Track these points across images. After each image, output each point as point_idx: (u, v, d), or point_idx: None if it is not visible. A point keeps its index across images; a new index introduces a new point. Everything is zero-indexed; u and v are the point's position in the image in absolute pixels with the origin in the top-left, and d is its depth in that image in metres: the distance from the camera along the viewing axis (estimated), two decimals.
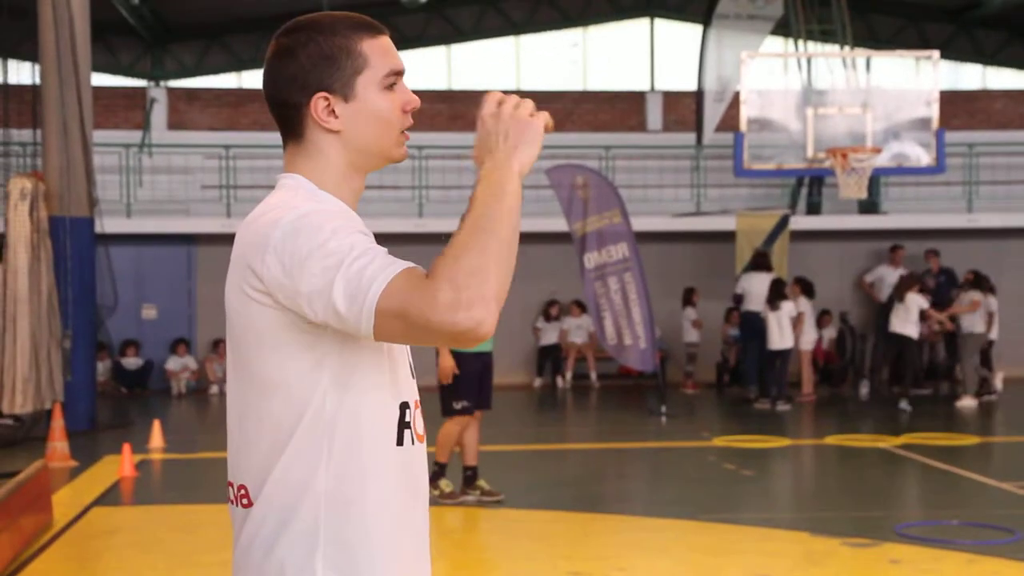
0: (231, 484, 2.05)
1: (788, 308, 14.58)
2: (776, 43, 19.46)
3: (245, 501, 2.01)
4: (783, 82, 16.20)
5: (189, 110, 19.96)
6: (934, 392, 16.10)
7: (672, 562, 7.21)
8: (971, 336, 14.77)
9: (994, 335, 15.19)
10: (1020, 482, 9.41)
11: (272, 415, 1.96)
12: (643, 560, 7.18)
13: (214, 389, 16.62)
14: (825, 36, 17.69)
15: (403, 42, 20.31)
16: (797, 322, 14.81)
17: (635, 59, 21.15)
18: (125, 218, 16.61)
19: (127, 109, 19.74)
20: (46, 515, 8.01)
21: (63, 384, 12.33)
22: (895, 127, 14.08)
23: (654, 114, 20.63)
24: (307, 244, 1.86)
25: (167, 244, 17.34)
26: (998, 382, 15.54)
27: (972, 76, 21.71)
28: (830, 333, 17.10)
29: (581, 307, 17.13)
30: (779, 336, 14.50)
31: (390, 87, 2.06)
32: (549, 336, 17.56)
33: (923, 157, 14.08)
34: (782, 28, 18.18)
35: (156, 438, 11.50)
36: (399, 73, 2.07)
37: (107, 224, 13.62)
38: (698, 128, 18.15)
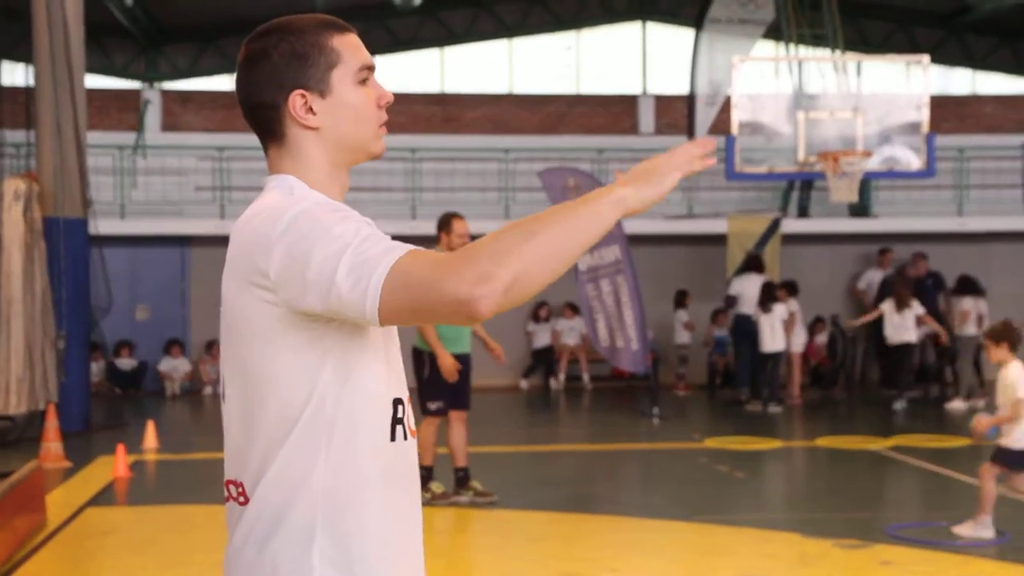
0: (230, 482, 2.07)
1: (780, 310, 14.66)
2: (767, 47, 19.54)
3: (242, 499, 2.03)
4: (774, 86, 16.27)
5: (183, 112, 19.97)
6: (924, 394, 16.17)
7: (664, 563, 7.26)
8: (965, 339, 14.87)
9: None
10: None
11: (272, 412, 1.98)
12: (635, 561, 7.22)
13: (207, 390, 16.64)
14: (816, 40, 17.76)
15: (396, 45, 20.36)
16: (790, 324, 14.89)
17: (627, 63, 21.21)
18: (119, 219, 16.63)
19: (121, 111, 19.74)
20: (40, 516, 8.03)
21: (57, 385, 12.34)
22: (886, 131, 14.14)
23: (646, 117, 20.69)
24: (313, 233, 1.88)
25: (161, 245, 17.35)
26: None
27: (962, 81, 21.82)
28: (822, 338, 17.17)
29: (573, 309, 17.17)
30: (771, 338, 14.56)
31: (363, 82, 2.10)
32: (542, 338, 17.60)
33: (913, 161, 14.14)
34: (773, 32, 18.25)
35: (150, 439, 11.51)
36: (371, 68, 2.11)
37: (101, 225, 13.63)
38: (690, 131, 18.20)
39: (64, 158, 12.58)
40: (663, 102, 20.69)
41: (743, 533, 7.84)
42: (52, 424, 10.80)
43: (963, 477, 9.81)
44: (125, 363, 16.94)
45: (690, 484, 9.84)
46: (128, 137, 18.71)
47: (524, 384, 17.60)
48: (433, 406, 8.44)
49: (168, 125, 19.78)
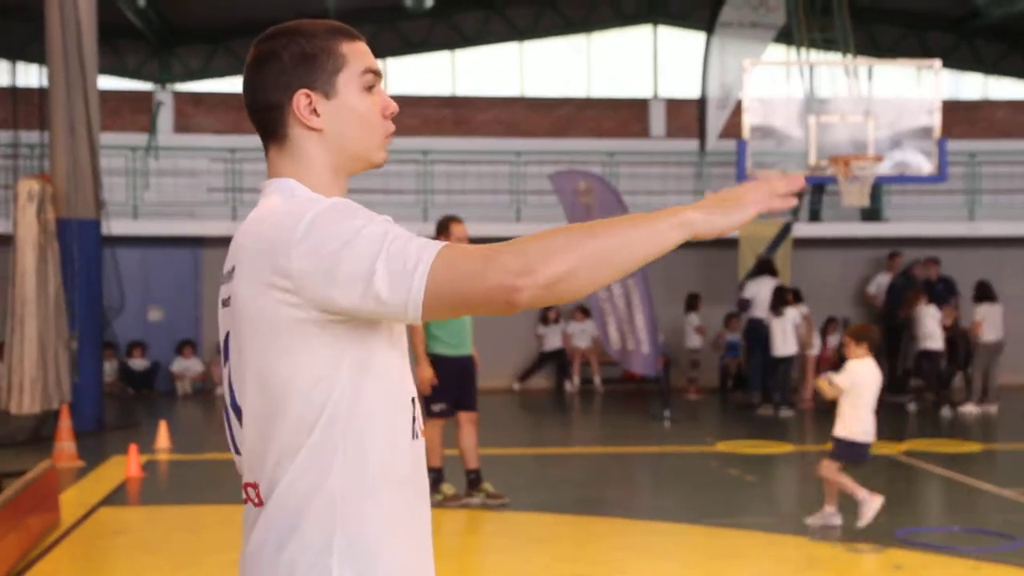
0: (248, 485, 2.07)
1: (792, 314, 14.66)
2: (779, 51, 19.54)
3: (257, 500, 2.04)
4: (785, 90, 16.27)
5: (195, 113, 20.03)
6: (938, 399, 16.12)
7: (675, 566, 7.27)
8: (983, 345, 14.87)
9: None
10: (1022, 489, 9.46)
11: (290, 414, 1.97)
12: (646, 564, 7.23)
13: (219, 391, 16.63)
14: (827, 45, 17.76)
15: (408, 48, 20.41)
16: (808, 328, 14.93)
17: (638, 66, 21.23)
18: (132, 220, 16.68)
19: (133, 112, 19.81)
20: (53, 515, 8.06)
21: (70, 385, 12.39)
22: (897, 135, 14.12)
23: (657, 121, 20.70)
24: (339, 231, 1.88)
25: (173, 247, 17.40)
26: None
27: (973, 86, 21.79)
28: (835, 340, 17.14)
29: (584, 312, 17.19)
30: (782, 342, 14.56)
31: (369, 89, 2.10)
32: (552, 341, 17.61)
33: (925, 166, 14.12)
34: (784, 36, 18.26)
35: (163, 439, 11.55)
36: (376, 73, 2.11)
37: (114, 226, 13.68)
38: (701, 135, 18.22)
39: (77, 159, 12.63)
40: (674, 105, 20.70)
41: (753, 537, 7.84)
42: (65, 424, 10.84)
43: (975, 482, 9.80)
44: (138, 363, 16.99)
45: (701, 488, 9.84)
46: (141, 138, 18.78)
47: (517, 387, 17.59)
48: (436, 408, 8.45)
49: (180, 126, 19.85)
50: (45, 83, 13.16)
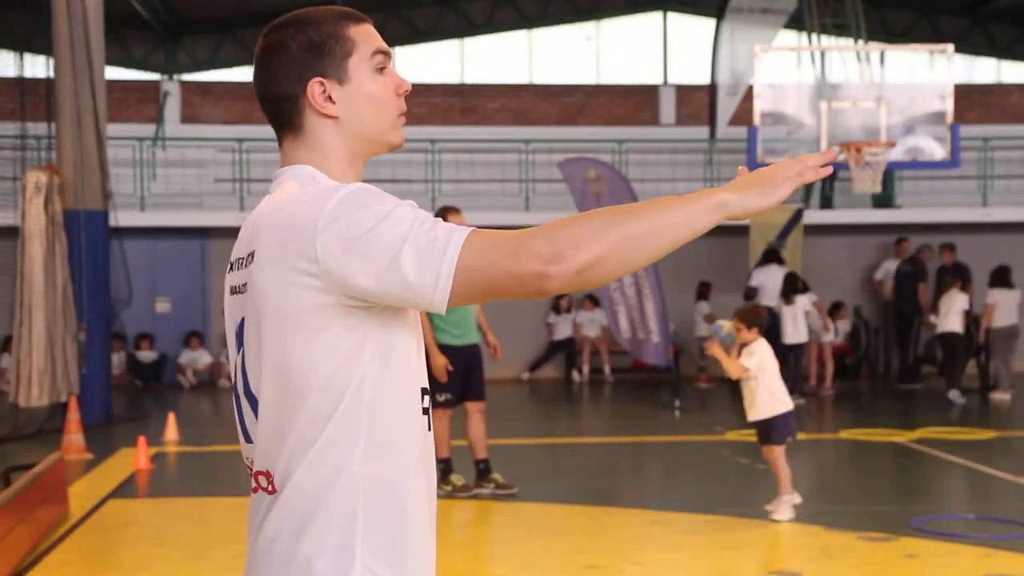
0: (259, 473, 2.04)
1: (803, 302, 14.59)
2: (789, 37, 19.42)
3: (271, 488, 2.01)
4: (796, 76, 16.16)
5: (202, 104, 19.99)
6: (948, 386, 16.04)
7: (687, 556, 7.21)
8: (1000, 330, 14.79)
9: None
10: None
11: (310, 400, 1.95)
12: (658, 554, 7.18)
13: (223, 383, 16.63)
14: (839, 30, 17.65)
15: (416, 36, 20.33)
16: (821, 315, 14.90)
17: (648, 52, 21.13)
18: (139, 211, 16.66)
19: (140, 103, 19.78)
20: (62, 507, 8.05)
21: (78, 377, 12.37)
22: (909, 121, 14.03)
23: (667, 108, 20.60)
24: (369, 215, 1.86)
25: (181, 237, 17.38)
26: None
27: (987, 70, 21.64)
28: (845, 326, 17.07)
29: (594, 301, 17.12)
30: (793, 330, 14.49)
31: (380, 70, 2.08)
32: (563, 330, 17.55)
33: (937, 151, 14.02)
34: (795, 22, 18.14)
35: (171, 431, 11.53)
36: (386, 54, 2.10)
37: (121, 217, 13.65)
38: (711, 122, 18.12)
39: (84, 150, 12.60)
40: (684, 92, 20.60)
41: (765, 526, 7.78)
42: (74, 416, 10.83)
43: (989, 470, 9.73)
44: (145, 355, 16.98)
45: (712, 477, 9.79)
46: (148, 129, 18.76)
47: (526, 376, 17.55)
48: (441, 398, 8.41)
49: (187, 117, 19.82)
50: (52, 74, 13.12)
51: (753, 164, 13.96)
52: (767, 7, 17.86)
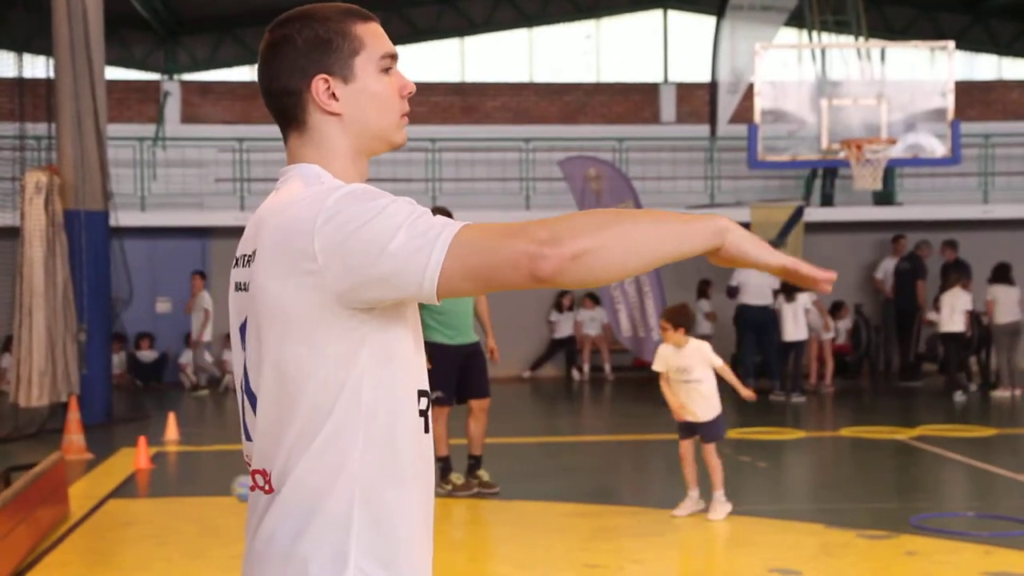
0: (256, 472, 2.05)
1: (804, 300, 14.60)
2: (790, 34, 19.40)
3: (268, 488, 2.01)
4: (797, 73, 16.14)
5: (203, 103, 19.99)
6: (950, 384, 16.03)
7: (688, 554, 7.21)
8: (1003, 326, 14.78)
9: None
10: None
11: (307, 400, 1.95)
12: (659, 552, 7.17)
13: (227, 380, 16.60)
14: (839, 27, 17.62)
15: (416, 34, 20.32)
16: (821, 313, 14.91)
17: (648, 51, 21.11)
18: (139, 211, 16.65)
19: (140, 103, 19.79)
20: (63, 507, 8.05)
21: (79, 377, 12.37)
22: (910, 118, 14.01)
23: (667, 106, 20.59)
24: (366, 210, 1.87)
25: (181, 237, 17.37)
26: None
27: (987, 67, 21.62)
28: (846, 325, 17.06)
29: (594, 299, 17.11)
30: (794, 327, 14.50)
31: (386, 71, 2.09)
32: (564, 328, 17.55)
33: (938, 148, 14.00)
34: (796, 19, 18.12)
35: (171, 431, 11.53)
36: (394, 57, 2.11)
37: (121, 218, 13.65)
38: (712, 120, 18.11)
39: (84, 150, 12.59)
40: (684, 90, 20.58)
41: (767, 523, 7.78)
42: (74, 416, 10.83)
43: (989, 467, 9.72)
44: (146, 355, 16.97)
45: None
46: (148, 129, 18.75)
47: (527, 375, 17.54)
48: (433, 395, 8.38)
49: (188, 117, 19.81)
50: (51, 74, 13.12)
51: (754, 162, 13.96)
52: (768, 5, 17.85)
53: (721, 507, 7.82)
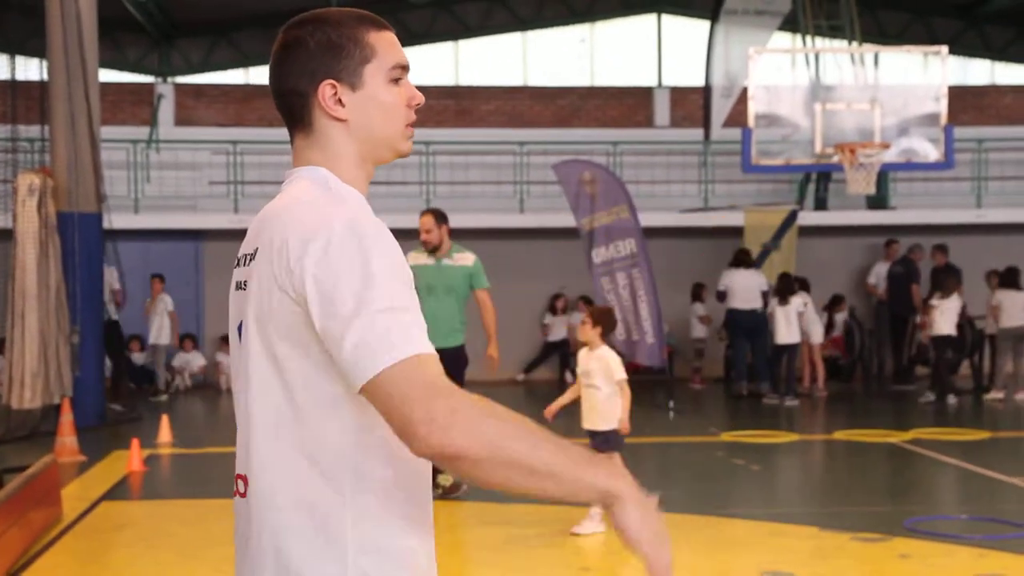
0: (239, 476, 2.04)
1: (797, 303, 14.63)
2: (784, 39, 19.43)
3: (244, 492, 2.01)
4: (791, 78, 16.17)
5: (196, 106, 19.97)
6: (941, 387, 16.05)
7: (682, 557, 7.16)
8: (1010, 330, 14.80)
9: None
10: None
11: (295, 407, 1.95)
12: None
13: (222, 383, 16.58)
14: (833, 32, 17.65)
15: (410, 38, 20.32)
16: (806, 316, 14.93)
17: (642, 55, 21.12)
18: (133, 214, 16.62)
19: (134, 105, 19.75)
20: (55, 509, 8.03)
21: (71, 379, 12.34)
22: (903, 123, 14.06)
23: (661, 110, 20.60)
24: (350, 277, 1.84)
25: (175, 240, 17.35)
26: None
27: (980, 71, 21.66)
28: (844, 317, 17.07)
29: (588, 303, 17.10)
30: (787, 330, 14.52)
31: (396, 81, 2.09)
32: (558, 331, 17.54)
33: (931, 153, 14.05)
34: (789, 24, 18.16)
35: (164, 433, 11.51)
36: (405, 68, 2.11)
37: (115, 220, 13.63)
38: (706, 124, 18.12)
39: (78, 153, 12.58)
40: (678, 94, 20.60)
41: (760, 527, 7.78)
42: (67, 418, 10.81)
43: (982, 470, 9.73)
44: (137, 357, 16.93)
45: (707, 477, 9.78)
46: (142, 131, 18.72)
47: (521, 377, 17.53)
48: None
49: (181, 119, 19.78)
50: (45, 76, 13.10)
51: (748, 166, 13.98)
52: (761, 9, 17.87)
53: (588, 523, 7.50)
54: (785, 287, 14.65)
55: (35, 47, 13.67)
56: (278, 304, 1.93)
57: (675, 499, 8.84)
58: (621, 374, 7.46)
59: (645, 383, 16.74)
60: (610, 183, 13.98)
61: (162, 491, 9.52)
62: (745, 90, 15.08)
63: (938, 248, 16.57)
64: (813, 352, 15.35)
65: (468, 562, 7.14)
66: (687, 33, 20.90)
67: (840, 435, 11.83)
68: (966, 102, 19.64)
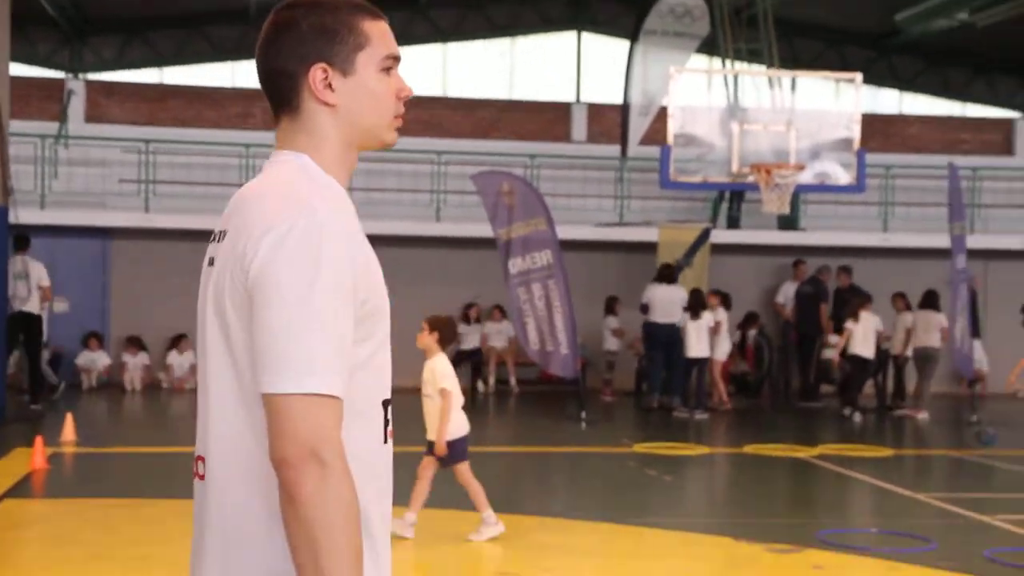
0: (199, 458, 2.02)
1: (708, 318, 14.83)
2: (702, 61, 19.69)
3: (201, 474, 2.00)
4: (708, 98, 16.39)
5: (108, 103, 19.57)
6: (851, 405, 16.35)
7: (596, 564, 7.21)
8: (924, 350, 15.13)
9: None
10: (933, 493, 9.60)
11: (244, 388, 1.93)
12: (566, 561, 7.17)
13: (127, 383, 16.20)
14: (751, 56, 17.95)
15: None
16: (714, 331, 15.08)
17: (561, 71, 21.25)
18: (39, 209, 16.21)
19: (43, 100, 19.29)
20: None
21: None
22: (818, 146, 14.32)
23: (579, 125, 20.74)
24: (295, 289, 1.84)
25: (82, 237, 16.96)
26: None
27: (890, 101, 22.21)
28: (754, 334, 17.30)
29: (502, 312, 17.12)
30: (697, 344, 14.70)
31: (387, 71, 2.08)
32: (471, 340, 17.50)
33: (843, 176, 14.34)
34: (708, 46, 18.41)
35: (68, 431, 11.21)
36: (397, 59, 2.10)
37: (21, 215, 13.28)
38: (622, 140, 18.28)
39: None
40: (596, 110, 20.76)
41: (674, 536, 7.83)
42: None
43: (887, 485, 9.93)
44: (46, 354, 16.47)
45: (620, 487, 9.82)
46: (50, 127, 18.29)
47: None
48: None
49: (92, 116, 19.37)
50: None
51: (666, 182, 14.12)
52: (681, 31, 18.08)
53: (485, 528, 7.49)
54: (697, 302, 14.84)
55: None
56: (230, 285, 1.92)
57: (589, 508, 8.87)
58: (443, 383, 7.37)
59: (558, 393, 16.79)
60: (528, 195, 14.02)
61: (67, 490, 9.26)
62: (662, 109, 15.24)
63: (843, 269, 16.91)
64: (713, 368, 15.54)
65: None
66: (606, 51, 21.08)
67: (750, 448, 11.98)
68: (875, 129, 20.09)
